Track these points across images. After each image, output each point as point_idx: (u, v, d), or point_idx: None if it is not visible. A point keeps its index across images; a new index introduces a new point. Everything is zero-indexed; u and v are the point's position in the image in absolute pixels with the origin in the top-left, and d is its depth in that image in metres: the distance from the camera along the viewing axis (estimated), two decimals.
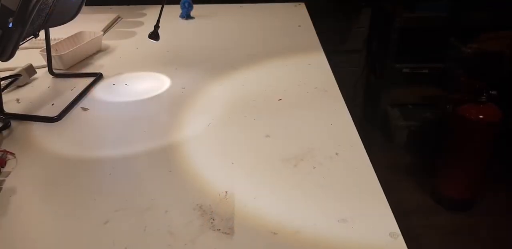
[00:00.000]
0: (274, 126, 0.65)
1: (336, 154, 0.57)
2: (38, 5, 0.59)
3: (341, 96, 0.73)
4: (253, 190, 0.51)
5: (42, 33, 0.75)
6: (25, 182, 0.54)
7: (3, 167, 0.54)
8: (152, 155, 0.59)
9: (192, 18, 1.21)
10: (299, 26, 1.11)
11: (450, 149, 1.61)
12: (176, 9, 1.21)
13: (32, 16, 0.61)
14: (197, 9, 1.22)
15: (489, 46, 1.81)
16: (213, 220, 0.46)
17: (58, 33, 0.95)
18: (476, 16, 1.81)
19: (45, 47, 0.81)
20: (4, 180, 0.55)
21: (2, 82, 0.75)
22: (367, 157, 0.57)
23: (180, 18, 1.20)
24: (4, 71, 0.81)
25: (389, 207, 0.48)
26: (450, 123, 1.61)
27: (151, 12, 1.28)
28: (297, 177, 0.53)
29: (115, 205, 0.49)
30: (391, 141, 1.95)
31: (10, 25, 0.61)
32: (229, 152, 0.59)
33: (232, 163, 0.56)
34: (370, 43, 2.13)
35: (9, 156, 0.59)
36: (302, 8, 1.25)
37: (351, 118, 0.66)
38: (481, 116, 1.48)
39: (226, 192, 0.51)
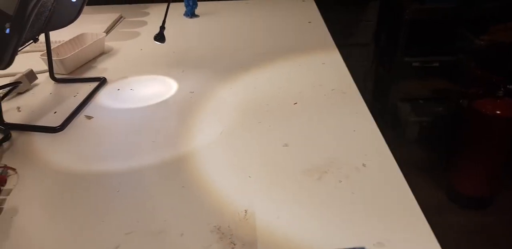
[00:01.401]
0: (292, 133, 0.60)
1: (363, 165, 0.53)
2: (37, 9, 0.54)
3: (362, 98, 0.69)
4: (274, 208, 0.47)
5: (42, 36, 0.70)
6: (28, 201, 0.50)
7: (3, 186, 0.50)
8: (162, 168, 0.55)
9: (197, 16, 1.16)
10: (309, 22, 1.06)
11: (466, 145, 1.57)
12: (180, 7, 1.16)
13: (31, 21, 0.56)
14: (201, 7, 1.17)
15: (501, 37, 1.75)
16: (234, 245, 0.42)
17: (58, 35, 0.90)
18: (487, 6, 1.75)
19: (46, 52, 0.76)
20: (5, 199, 0.51)
21: (1, 91, 0.71)
22: (398, 168, 0.52)
23: (184, 17, 1.16)
24: (4, 77, 0.77)
25: (429, 227, 0.43)
26: (466, 118, 1.57)
27: (154, 11, 1.24)
28: (323, 192, 0.49)
29: (126, 227, 0.45)
30: (402, 136, 1.90)
31: (7, 31, 0.56)
32: (245, 163, 0.55)
33: (250, 176, 0.52)
34: (379, 37, 2.07)
35: (10, 172, 0.55)
36: (311, 4, 1.20)
37: (375, 124, 0.62)
38: (498, 111, 1.44)
39: (246, 211, 0.47)
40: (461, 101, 1.67)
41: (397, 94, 2.00)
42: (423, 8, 1.76)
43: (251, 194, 0.49)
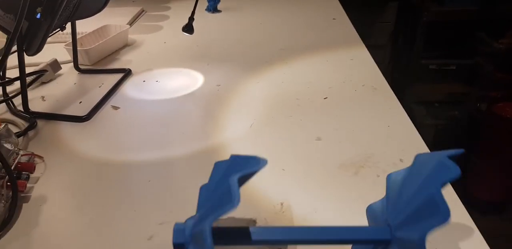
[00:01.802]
0: (324, 127, 0.59)
1: (401, 160, 0.51)
2: None
3: (394, 94, 0.67)
4: (311, 201, 0.45)
5: (68, 27, 0.69)
6: (56, 189, 0.49)
7: (32, 173, 0.49)
8: (193, 160, 0.53)
9: (219, 11, 1.14)
10: (333, 19, 1.05)
11: (484, 149, 1.54)
12: (202, 2, 1.15)
13: (63, 6, 0.55)
14: (223, 2, 1.16)
15: None
16: None
17: (81, 27, 0.89)
18: (507, 9, 1.72)
19: (71, 41, 0.75)
20: (33, 187, 0.49)
21: (27, 79, 0.70)
22: None
23: (206, 12, 1.14)
24: (28, 66, 0.76)
25: (474, 224, 0.42)
26: (484, 122, 1.54)
27: (175, 6, 1.23)
28: (360, 186, 0.47)
29: (159, 218, 0.44)
30: None
31: (38, 15, 0.55)
32: (277, 157, 0.53)
33: (283, 169, 0.51)
34: (396, 38, 2.05)
35: (37, 160, 0.54)
36: (334, 1, 1.18)
37: (409, 120, 0.60)
38: None
39: (282, 204, 0.45)
40: (478, 104, 1.65)
41: (413, 97, 1.98)
42: (442, 10, 1.73)
43: (286, 187, 0.48)
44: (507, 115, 1.42)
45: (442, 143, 1.84)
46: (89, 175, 0.51)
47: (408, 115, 0.62)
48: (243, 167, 0.32)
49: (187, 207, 0.45)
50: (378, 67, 0.77)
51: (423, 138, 0.56)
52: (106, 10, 1.04)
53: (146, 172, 0.51)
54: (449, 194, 0.46)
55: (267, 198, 0.46)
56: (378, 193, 0.46)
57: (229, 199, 0.29)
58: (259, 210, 0.44)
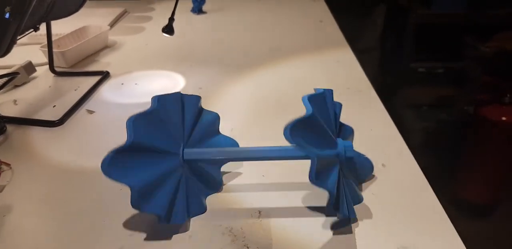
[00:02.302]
0: None
1: (383, 165, 0.49)
2: None
3: (378, 97, 0.65)
4: (290, 209, 0.43)
5: (43, 27, 0.67)
6: (22, 198, 0.46)
7: None
8: None
9: (204, 12, 1.13)
10: (320, 21, 1.03)
11: (471, 152, 1.54)
12: (187, 3, 1.13)
13: (32, 6, 0.53)
14: (209, 3, 1.14)
15: (508, 45, 1.73)
16: (247, 248, 0.38)
17: (60, 28, 0.87)
18: (495, 13, 1.73)
19: (46, 43, 0.73)
20: None
21: None
22: (419, 168, 0.49)
23: (191, 13, 1.12)
24: (0, 69, 0.73)
25: (456, 232, 0.40)
26: (471, 124, 1.54)
27: (159, 7, 1.20)
28: None
29: (129, 228, 0.41)
30: (406, 143, 1.86)
31: (7, 15, 0.53)
32: (257, 162, 0.51)
33: (263, 175, 0.48)
34: (384, 42, 2.05)
35: (4, 167, 0.51)
36: (321, 3, 1.17)
37: (392, 122, 0.58)
38: (504, 118, 1.41)
39: (260, 212, 0.43)
40: (465, 107, 1.65)
41: (401, 100, 1.98)
42: (430, 13, 1.73)
43: (265, 194, 0.45)
44: (494, 118, 1.42)
45: (431, 146, 1.84)
46: (58, 183, 0.49)
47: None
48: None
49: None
50: (366, 70, 0.75)
51: (411, 141, 0.54)
52: (87, 11, 1.02)
53: None
54: (429, 196, 0.44)
55: (245, 206, 0.44)
56: None
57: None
58: (235, 218, 0.42)
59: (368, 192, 0.45)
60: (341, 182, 0.38)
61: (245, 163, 0.51)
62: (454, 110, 1.85)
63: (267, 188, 0.46)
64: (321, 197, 0.44)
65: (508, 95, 1.43)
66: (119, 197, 0.46)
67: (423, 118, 1.92)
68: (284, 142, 0.37)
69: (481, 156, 1.50)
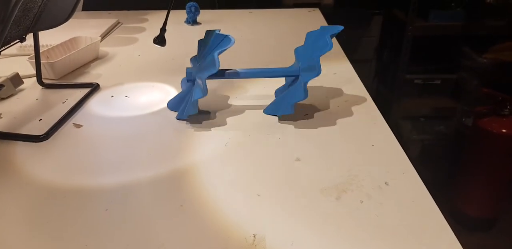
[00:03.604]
0: (304, 147, 0.54)
1: (386, 183, 0.47)
2: (20, 4, 0.48)
3: (378, 111, 0.63)
4: (287, 232, 0.40)
5: (31, 37, 0.65)
6: (3, 218, 0.43)
7: None
8: (159, 185, 0.48)
9: (198, 23, 1.11)
10: None
11: (470, 165, 1.51)
12: (181, 14, 1.11)
13: (14, 16, 0.50)
14: (203, 15, 1.13)
15: (505, 56, 1.73)
16: None
17: (50, 39, 0.85)
18: (491, 25, 1.73)
19: (34, 54, 0.70)
20: None
21: None
22: (425, 187, 0.46)
23: (185, 24, 1.10)
24: None
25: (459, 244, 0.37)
26: (470, 137, 1.52)
27: (153, 18, 1.19)
28: (343, 214, 0.42)
29: None
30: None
31: None
32: (253, 180, 0.48)
33: (258, 195, 0.46)
34: (381, 53, 2.04)
35: None
36: (317, 14, 1.15)
37: (394, 137, 0.56)
38: (504, 130, 1.39)
39: (255, 236, 0.40)
40: (464, 119, 1.63)
41: (398, 112, 1.96)
42: (427, 25, 1.73)
43: (260, 215, 0.43)
44: (493, 130, 1.40)
45: (429, 158, 1.81)
46: (40, 202, 0.46)
47: (394, 130, 0.58)
48: (219, 44, 0.60)
49: (147, 241, 0.39)
50: (363, 81, 0.73)
51: (409, 153, 0.52)
52: (79, 21, 1.00)
53: (104, 199, 0.46)
54: (431, 210, 0.41)
55: (239, 229, 0.41)
56: (362, 221, 0.41)
57: (213, 66, 0.57)
58: (228, 242, 0.39)
59: (372, 213, 0.42)
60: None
61: (237, 180, 0.48)
62: (452, 122, 1.83)
63: (262, 209, 0.43)
64: (320, 216, 0.42)
65: (508, 107, 1.42)
66: (104, 217, 0.43)
67: (421, 129, 1.90)
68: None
69: (481, 169, 1.48)
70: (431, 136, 1.88)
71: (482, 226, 1.56)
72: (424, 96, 1.93)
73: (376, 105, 0.65)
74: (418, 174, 0.48)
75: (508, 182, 1.45)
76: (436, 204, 0.43)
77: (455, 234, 0.39)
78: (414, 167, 0.50)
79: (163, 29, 0.65)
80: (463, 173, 1.55)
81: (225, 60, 0.85)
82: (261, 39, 0.99)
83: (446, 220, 0.41)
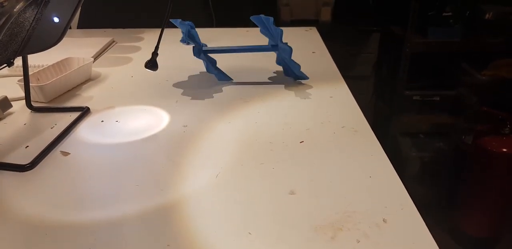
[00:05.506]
0: (299, 178, 0.52)
1: (384, 220, 0.44)
2: (5, 30, 0.47)
3: (376, 138, 0.61)
4: None
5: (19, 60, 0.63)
6: None
7: None
8: (146, 220, 0.46)
9: None
10: (313, 52, 1.00)
11: (471, 183, 1.49)
12: (176, 33, 1.09)
13: None
14: (200, 33, 1.11)
15: (504, 73, 1.72)
16: None
17: (43, 59, 0.83)
18: (490, 41, 1.72)
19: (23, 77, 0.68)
20: None
21: None
22: (424, 224, 0.44)
23: (181, 43, 1.09)
24: None
25: None
26: (470, 155, 1.50)
27: (149, 36, 1.17)
28: None
29: None
30: (402, 172, 1.82)
31: None
32: (244, 216, 0.46)
33: (250, 233, 0.43)
34: (379, 69, 2.03)
35: None
36: (314, 33, 1.14)
37: (393, 168, 0.54)
38: (504, 149, 1.37)
39: None
40: (464, 136, 1.61)
41: (397, 128, 1.94)
42: (425, 42, 1.72)
43: None
44: (494, 149, 1.38)
45: (428, 175, 1.79)
46: (22, 240, 0.43)
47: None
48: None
49: None
50: (362, 98, 0.71)
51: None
52: (74, 40, 0.98)
53: (90, 237, 0.43)
54: (433, 231, 0.39)
55: None
56: None
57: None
58: None
59: None
60: None
61: (228, 216, 0.46)
62: (451, 139, 1.82)
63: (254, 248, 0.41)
64: None
65: (508, 126, 1.40)
66: None
67: (420, 146, 1.88)
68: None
69: (481, 187, 1.46)
70: (430, 153, 1.86)
71: (483, 245, 1.53)
72: (424, 112, 1.92)
73: (375, 122, 0.63)
74: (416, 191, 0.46)
75: (509, 202, 1.43)
76: (436, 223, 0.41)
77: None
78: (413, 184, 0.48)
79: (155, 53, 0.64)
80: (463, 191, 1.52)
81: (222, 84, 0.84)
82: (257, 59, 0.98)
83: (446, 239, 0.39)
